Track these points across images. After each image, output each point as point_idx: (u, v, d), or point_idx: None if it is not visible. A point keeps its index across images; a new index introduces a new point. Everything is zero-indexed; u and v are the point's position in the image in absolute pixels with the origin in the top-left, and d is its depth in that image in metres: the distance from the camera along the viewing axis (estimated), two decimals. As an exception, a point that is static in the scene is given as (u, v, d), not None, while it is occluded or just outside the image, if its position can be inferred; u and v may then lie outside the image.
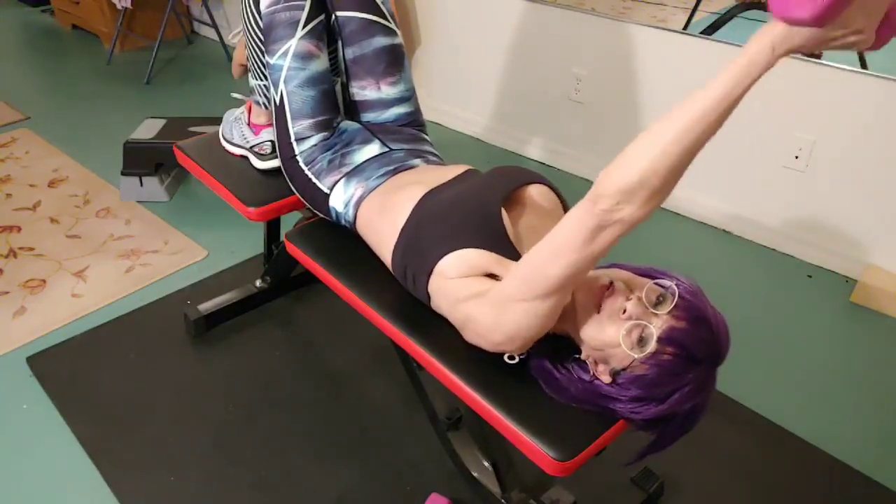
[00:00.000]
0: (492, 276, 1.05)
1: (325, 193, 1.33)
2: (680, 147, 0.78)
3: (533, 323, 0.95)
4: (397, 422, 1.54)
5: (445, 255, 1.06)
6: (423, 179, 1.23)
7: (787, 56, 0.75)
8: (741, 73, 0.75)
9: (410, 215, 1.15)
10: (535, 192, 1.17)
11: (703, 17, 2.14)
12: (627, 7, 2.27)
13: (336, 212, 1.33)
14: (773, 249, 2.19)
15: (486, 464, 1.33)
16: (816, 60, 1.91)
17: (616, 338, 0.91)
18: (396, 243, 1.16)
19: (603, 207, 0.82)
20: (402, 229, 1.15)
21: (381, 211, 1.22)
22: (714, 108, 0.76)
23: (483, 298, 1.00)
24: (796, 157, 2.04)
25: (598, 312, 0.95)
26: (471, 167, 1.28)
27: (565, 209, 1.20)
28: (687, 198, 2.34)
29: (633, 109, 2.35)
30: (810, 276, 2.07)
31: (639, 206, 0.81)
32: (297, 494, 1.38)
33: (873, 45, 0.75)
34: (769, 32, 0.74)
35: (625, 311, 0.92)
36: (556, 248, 0.88)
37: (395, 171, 1.30)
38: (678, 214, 2.37)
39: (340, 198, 1.31)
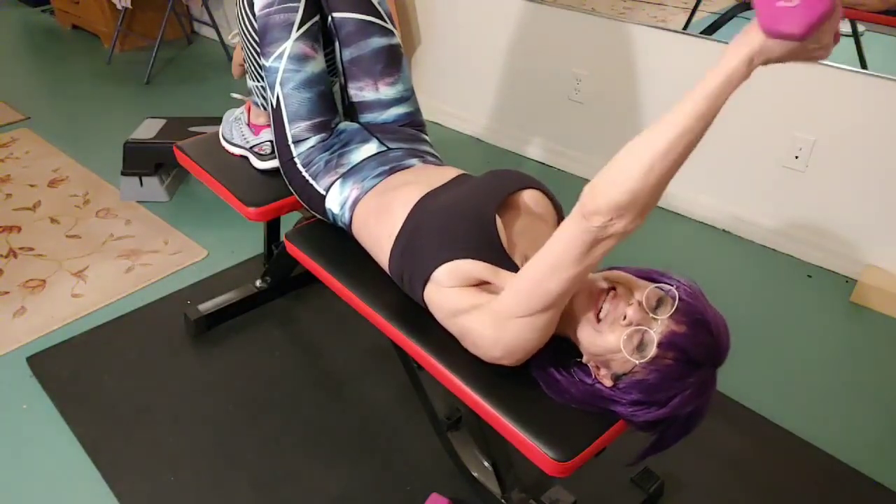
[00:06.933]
0: (485, 283, 1.05)
1: (322, 195, 1.32)
2: (667, 162, 0.81)
3: (533, 336, 0.96)
4: (397, 422, 1.54)
5: (441, 264, 1.06)
6: (418, 181, 1.22)
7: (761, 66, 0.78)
8: (722, 86, 0.78)
9: (407, 220, 1.15)
10: (528, 196, 1.17)
11: (704, 17, 2.14)
12: (627, 7, 2.27)
13: (332, 213, 1.33)
14: (773, 249, 2.19)
15: (486, 464, 1.33)
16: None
17: (617, 343, 0.92)
18: (393, 247, 1.16)
19: (597, 224, 0.84)
20: (399, 234, 1.15)
21: (377, 213, 1.22)
22: (697, 122, 0.79)
23: (481, 314, 1.01)
24: (796, 157, 2.04)
25: (598, 317, 0.95)
26: (464, 171, 1.28)
27: (557, 212, 1.20)
28: (687, 198, 2.34)
29: (633, 109, 2.35)
30: (810, 276, 2.07)
31: (632, 219, 0.84)
32: (297, 494, 1.38)
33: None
34: (747, 44, 0.76)
35: (625, 317, 0.92)
36: (553, 263, 0.90)
37: (391, 171, 1.29)
38: (678, 214, 2.37)
39: (336, 199, 1.30)
